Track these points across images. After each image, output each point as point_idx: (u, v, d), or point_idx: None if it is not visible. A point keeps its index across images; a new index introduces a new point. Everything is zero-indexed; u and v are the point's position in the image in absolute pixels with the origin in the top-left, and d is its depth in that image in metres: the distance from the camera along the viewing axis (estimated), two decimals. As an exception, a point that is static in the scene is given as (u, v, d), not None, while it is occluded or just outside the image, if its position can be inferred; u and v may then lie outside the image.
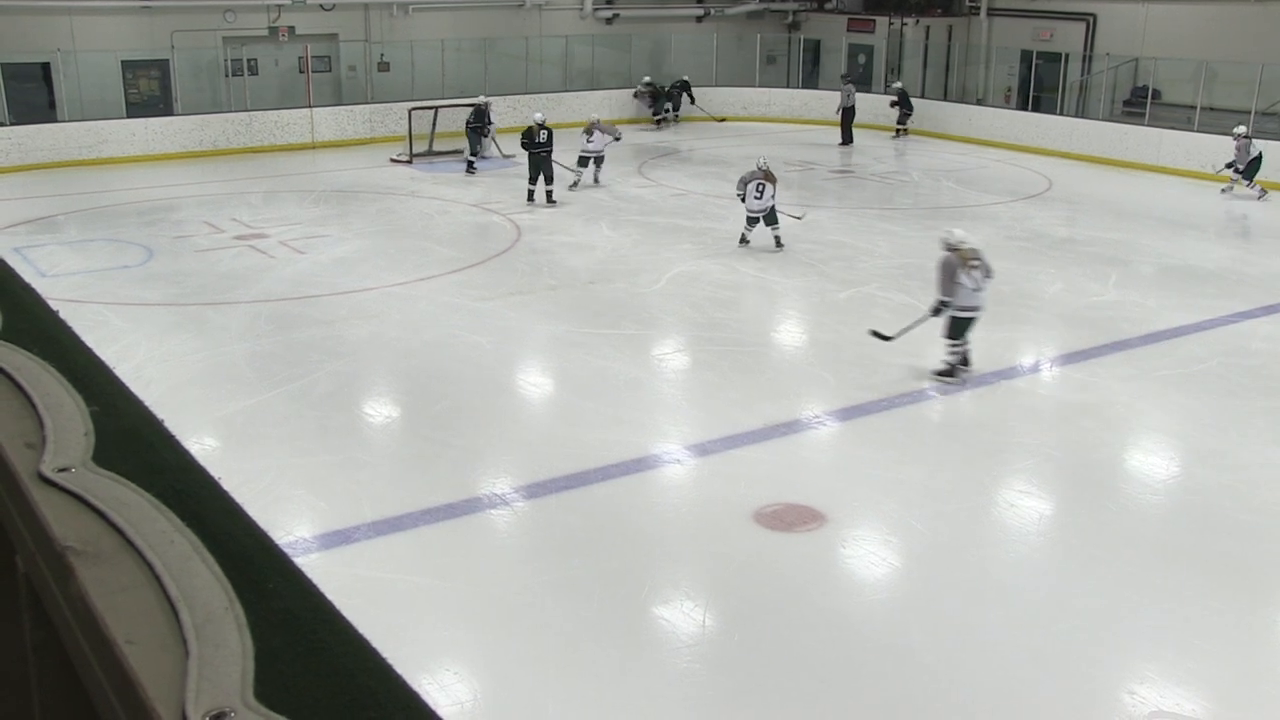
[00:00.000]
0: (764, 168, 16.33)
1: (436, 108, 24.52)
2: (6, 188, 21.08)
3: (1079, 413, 10.72)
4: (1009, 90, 29.58)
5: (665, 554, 8.10)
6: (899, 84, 28.51)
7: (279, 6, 26.61)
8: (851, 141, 27.18)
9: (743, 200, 16.37)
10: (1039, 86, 28.52)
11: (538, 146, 19.34)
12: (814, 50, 33.21)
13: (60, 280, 14.55)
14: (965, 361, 11.34)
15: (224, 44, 26.37)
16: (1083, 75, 28.29)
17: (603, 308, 13.73)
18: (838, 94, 28.23)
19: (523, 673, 6.68)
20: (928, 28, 31.35)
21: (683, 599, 7.48)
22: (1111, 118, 26.62)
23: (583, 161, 21.19)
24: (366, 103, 26.98)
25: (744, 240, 16.50)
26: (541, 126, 19.43)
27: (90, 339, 1.59)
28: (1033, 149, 25.58)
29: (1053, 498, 9.17)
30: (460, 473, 9.29)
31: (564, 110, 28.64)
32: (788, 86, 32.02)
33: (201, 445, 9.27)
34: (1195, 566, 7.94)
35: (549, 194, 19.53)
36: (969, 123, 27.69)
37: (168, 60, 25.61)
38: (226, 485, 1.15)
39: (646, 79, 29.76)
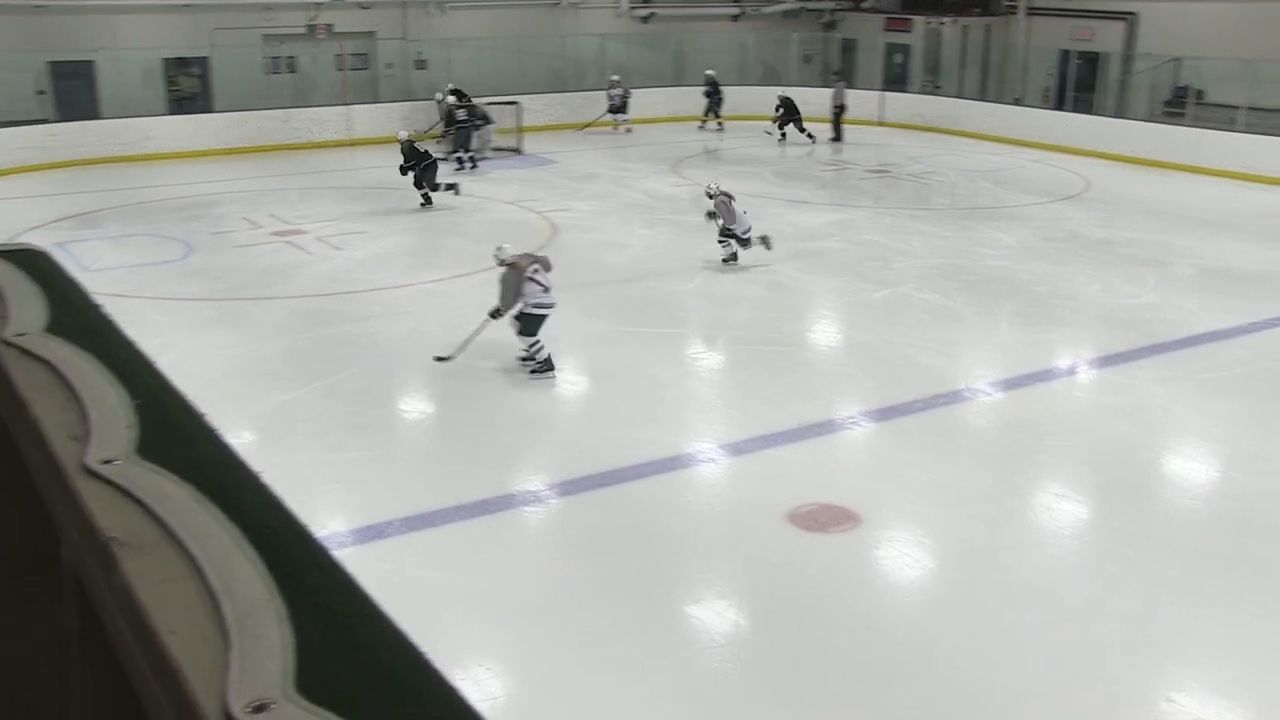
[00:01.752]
0: (722, 190, 15.38)
1: (472, 105, 24.58)
2: (51, 183, 21.34)
3: (1116, 415, 10.63)
4: (1047, 90, 29.36)
5: (698, 553, 8.10)
6: (782, 94, 27.47)
7: (317, 4, 26.77)
8: (841, 139, 27.02)
9: (729, 226, 15.12)
10: (1077, 86, 28.30)
11: (423, 156, 19.25)
12: (850, 50, 33.08)
13: (102, 275, 14.69)
14: (548, 364, 11.26)
15: (263, 41, 26.56)
16: (1123, 75, 28.04)
17: (637, 306, 13.74)
18: (829, 91, 27.94)
19: (556, 669, 6.69)
20: (965, 27, 31.16)
21: (715, 598, 7.47)
22: (1152, 118, 26.36)
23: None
24: (403, 100, 27.07)
25: (736, 257, 15.41)
26: (409, 140, 19.52)
27: (130, 333, 1.61)
28: (1070, 149, 25.38)
29: (1089, 501, 9.10)
30: (493, 469, 9.31)
31: (599, 109, 28.65)
32: (823, 86, 31.87)
33: (237, 439, 9.32)
34: (1235, 572, 7.84)
35: (428, 199, 19.36)
36: (1006, 122, 27.50)
37: (208, 57, 25.84)
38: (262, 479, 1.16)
39: (614, 76, 28.46)
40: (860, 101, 29.12)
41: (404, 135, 19.74)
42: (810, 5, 33.41)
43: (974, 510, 8.65)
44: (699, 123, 28.68)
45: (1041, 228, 18.34)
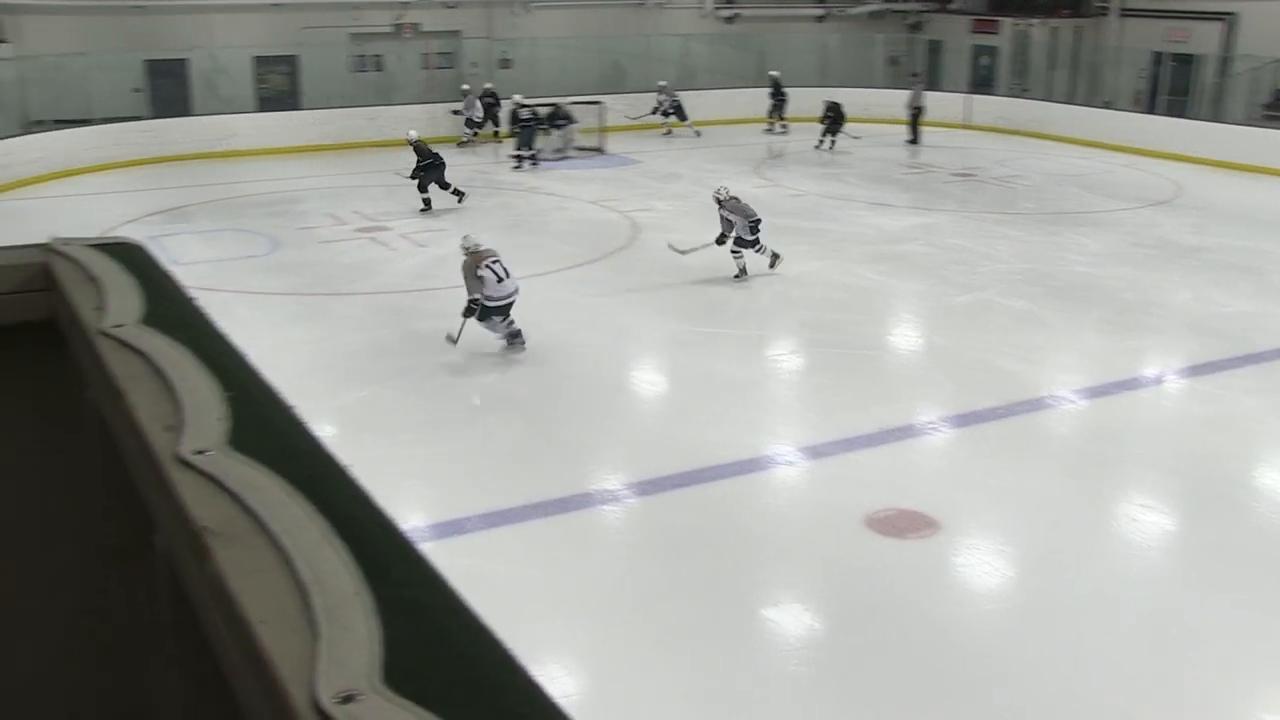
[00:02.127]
0: (731, 194, 14.84)
1: (556, 104, 24.73)
2: (145, 178, 21.85)
3: (1206, 426, 10.38)
4: (1139, 93, 28.77)
5: (775, 556, 8.06)
6: (829, 99, 26.41)
7: (404, 3, 27.09)
8: (918, 141, 26.66)
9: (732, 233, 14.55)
10: (1171, 89, 27.69)
11: (431, 155, 19.07)
12: (935, 52, 32.69)
13: (191, 268, 14.98)
14: (515, 336, 11.98)
15: (350, 40, 26.94)
16: (1219, 77, 27.38)
17: (717, 307, 13.71)
18: (906, 92, 27.55)
19: (629, 669, 6.70)
20: (1055, 28, 30.65)
21: (791, 601, 7.44)
22: (1249, 121, 25.68)
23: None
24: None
25: (746, 271, 14.85)
26: (416, 143, 19.20)
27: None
28: (1162, 154, 24.83)
29: (1176, 513, 8.90)
30: (571, 468, 9.35)
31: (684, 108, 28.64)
32: (908, 88, 31.53)
33: (319, 433, 9.45)
34: (1326, 589, 7.63)
35: (459, 194, 19.29)
36: (1095, 126, 26.98)
37: (296, 56, 26.27)
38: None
39: (661, 82, 27.67)
40: (946, 104, 28.80)
41: (413, 135, 19.45)
42: (896, 7, 33.10)
43: (1056, 519, 8.51)
44: (765, 125, 28.38)
45: (1130, 233, 17.98)
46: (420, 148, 19.07)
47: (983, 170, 23.97)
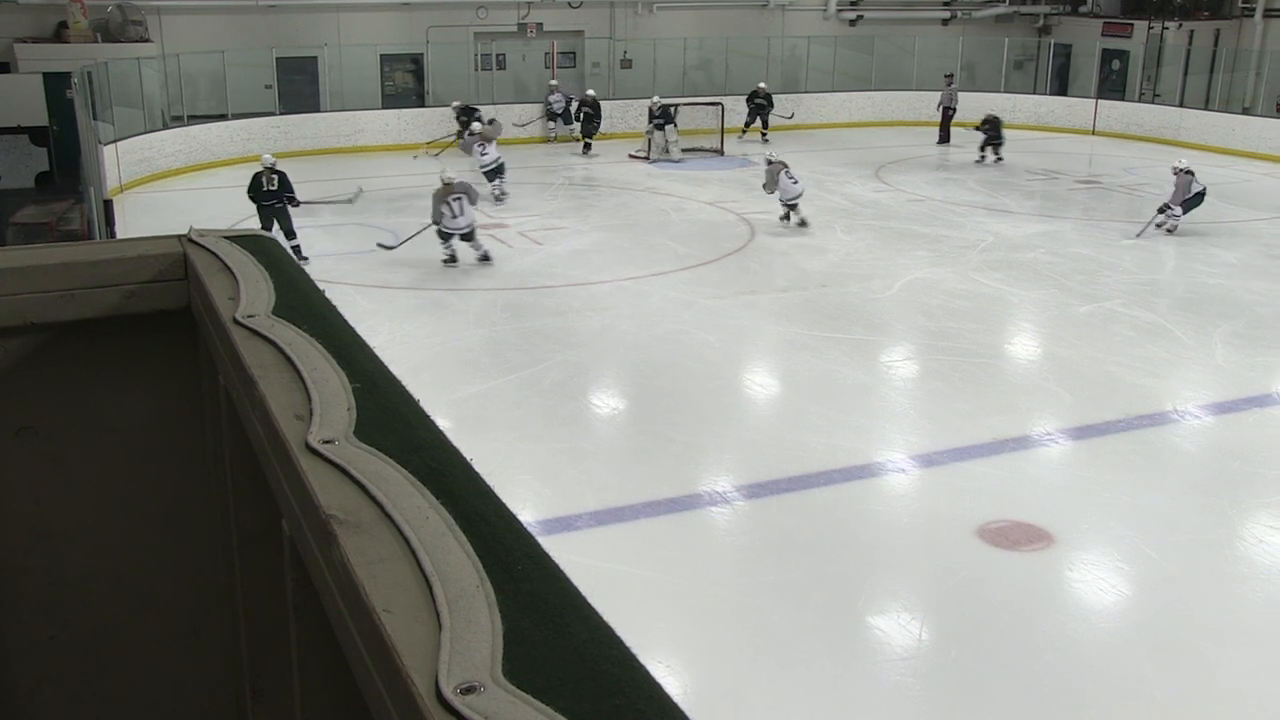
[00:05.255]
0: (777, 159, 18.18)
1: (676, 105, 24.77)
2: (272, 172, 22.40)
3: (1341, 447, 9.98)
4: (1281, 99, 27.78)
5: (885, 564, 7.97)
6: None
7: (528, 3, 27.38)
8: (948, 141, 26.58)
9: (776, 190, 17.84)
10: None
11: (266, 197, 15.92)
12: (1064, 55, 31.93)
13: (314, 261, 15.35)
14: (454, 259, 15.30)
15: (475, 39, 27.32)
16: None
17: (833, 311, 13.60)
18: (938, 94, 27.41)
19: (735, 672, 6.68)
20: (1191, 31, 29.72)
21: (900, 610, 7.34)
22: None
23: (489, 176, 19.79)
24: (608, 99, 27.43)
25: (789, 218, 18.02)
26: (272, 170, 15.93)
27: (343, 319, 1.68)
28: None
29: (1307, 536, 8.57)
30: (682, 468, 9.36)
31: (804, 111, 28.46)
32: (1034, 93, 30.90)
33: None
34: None
35: (296, 249, 15.58)
36: (1232, 133, 26.11)
37: (422, 54, 26.73)
38: None
39: (553, 81, 26.88)
40: (1073, 109, 28.18)
41: (269, 160, 16.29)
42: (1025, 9, 32.43)
43: (1177, 538, 8.26)
44: (739, 134, 26.91)
45: (1266, 245, 17.37)
46: (256, 180, 16.08)
47: (1109, 177, 23.37)
